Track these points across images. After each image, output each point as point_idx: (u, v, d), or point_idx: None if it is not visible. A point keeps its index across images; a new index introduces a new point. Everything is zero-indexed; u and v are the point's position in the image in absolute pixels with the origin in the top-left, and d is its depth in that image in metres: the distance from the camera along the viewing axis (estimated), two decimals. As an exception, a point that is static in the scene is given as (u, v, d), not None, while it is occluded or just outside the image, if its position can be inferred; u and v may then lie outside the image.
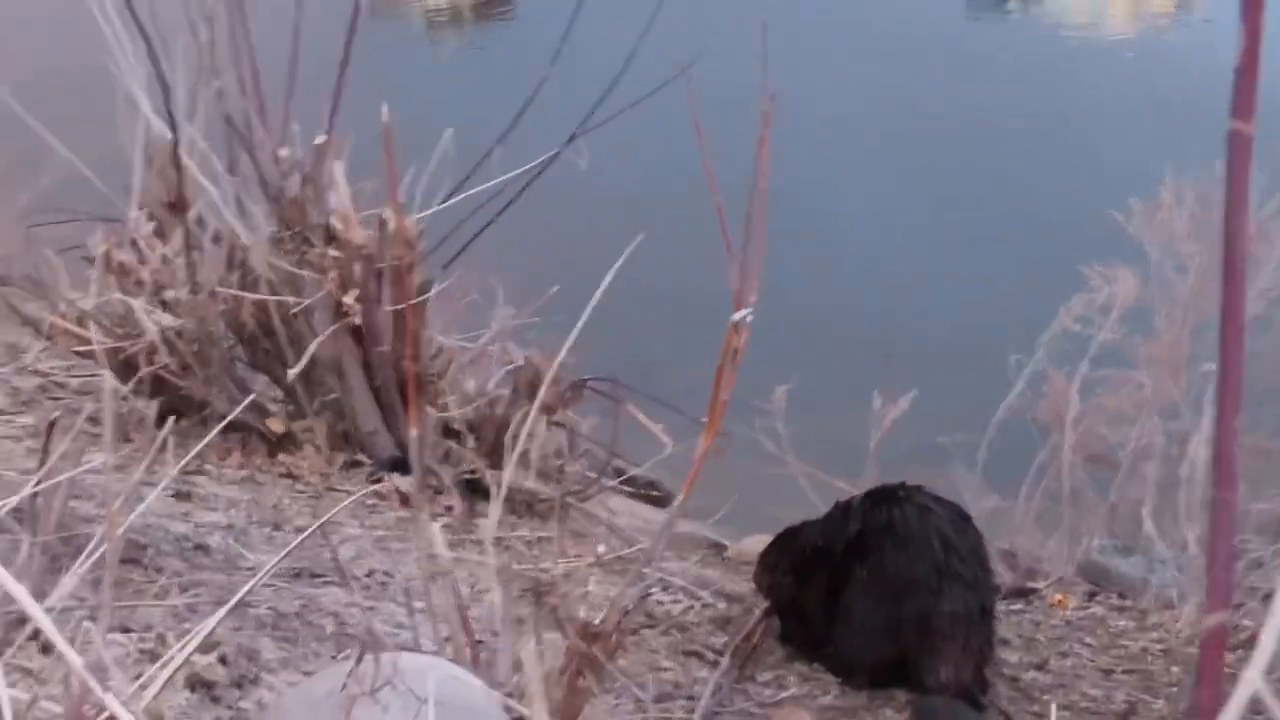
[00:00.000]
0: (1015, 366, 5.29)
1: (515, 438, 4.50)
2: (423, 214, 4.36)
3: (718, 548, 5.81)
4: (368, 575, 3.70)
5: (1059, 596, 4.94)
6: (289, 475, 4.27)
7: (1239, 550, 5.19)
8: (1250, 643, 4.29)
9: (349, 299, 4.17)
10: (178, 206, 4.45)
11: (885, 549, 3.89)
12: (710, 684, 3.72)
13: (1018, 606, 4.90)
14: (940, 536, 3.87)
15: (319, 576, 3.80)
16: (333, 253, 4.19)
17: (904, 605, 3.84)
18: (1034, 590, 4.97)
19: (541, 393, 4.39)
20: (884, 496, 4.01)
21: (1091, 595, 4.92)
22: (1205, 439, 4.92)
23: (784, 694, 3.88)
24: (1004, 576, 5.04)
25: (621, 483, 6.50)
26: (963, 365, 6.57)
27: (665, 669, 3.89)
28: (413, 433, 2.80)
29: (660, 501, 6.83)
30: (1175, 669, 4.40)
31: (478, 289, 4.87)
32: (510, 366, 4.29)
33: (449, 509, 4.31)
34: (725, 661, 3.93)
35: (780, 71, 2.68)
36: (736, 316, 3.28)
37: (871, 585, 3.90)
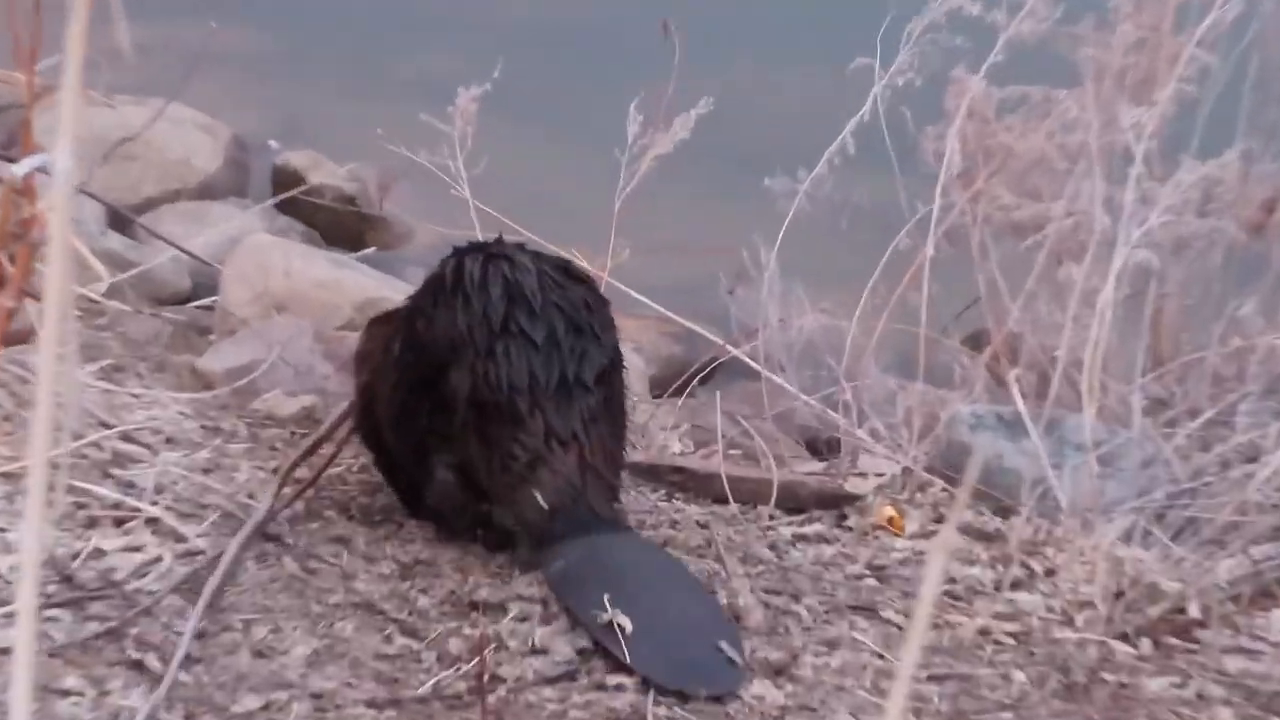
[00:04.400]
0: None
1: None
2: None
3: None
4: None
5: (890, 514, 2.89)
6: None
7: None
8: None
9: None
10: None
11: (429, 306, 2.91)
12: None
13: (814, 529, 2.90)
14: (506, 287, 2.82)
15: None
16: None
17: (446, 374, 2.82)
18: (852, 498, 2.93)
19: None
20: (469, 250, 2.97)
21: (938, 518, 2.84)
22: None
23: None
24: (809, 478, 3.01)
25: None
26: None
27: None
28: None
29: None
30: (1020, 678, 2.48)
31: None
32: None
33: None
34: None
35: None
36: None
37: (403, 353, 2.92)
